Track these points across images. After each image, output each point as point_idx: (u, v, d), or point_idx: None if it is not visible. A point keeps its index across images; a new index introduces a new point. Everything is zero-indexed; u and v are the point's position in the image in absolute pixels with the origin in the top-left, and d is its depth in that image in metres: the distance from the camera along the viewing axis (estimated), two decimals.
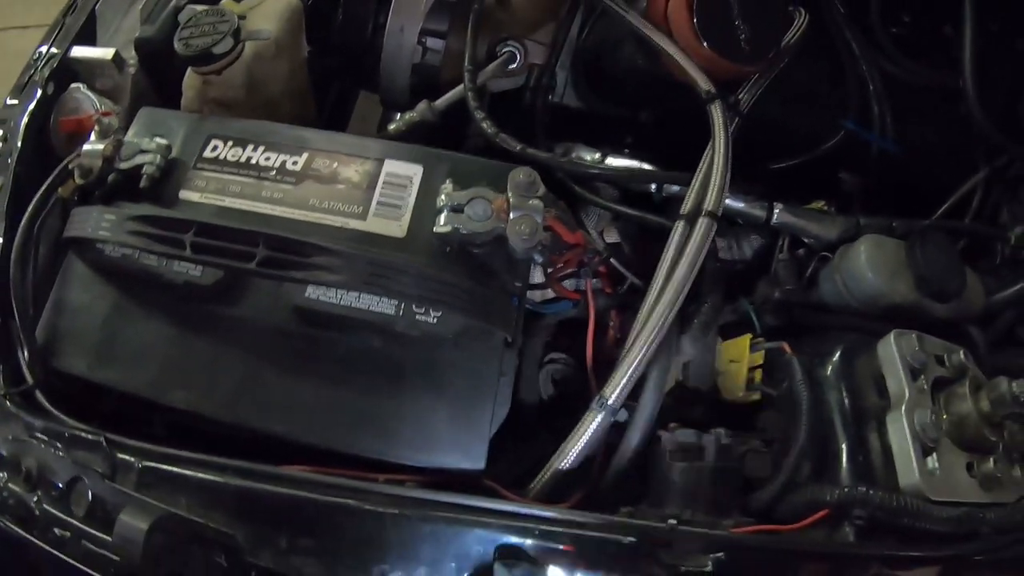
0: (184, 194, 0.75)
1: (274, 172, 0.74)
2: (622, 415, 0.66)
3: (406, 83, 0.95)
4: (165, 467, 0.62)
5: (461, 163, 0.75)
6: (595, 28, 0.99)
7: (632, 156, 0.92)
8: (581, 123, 1.02)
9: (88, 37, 0.96)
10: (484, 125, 0.83)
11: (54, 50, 0.93)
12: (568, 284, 0.83)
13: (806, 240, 0.88)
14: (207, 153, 0.77)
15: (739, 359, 0.74)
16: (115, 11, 1.00)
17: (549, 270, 0.78)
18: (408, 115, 0.89)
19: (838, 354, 0.70)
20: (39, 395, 0.69)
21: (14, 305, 0.71)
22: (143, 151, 0.76)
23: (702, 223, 0.71)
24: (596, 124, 1.03)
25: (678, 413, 0.72)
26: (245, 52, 0.86)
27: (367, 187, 0.73)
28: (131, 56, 0.93)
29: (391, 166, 0.74)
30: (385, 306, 0.65)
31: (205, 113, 0.86)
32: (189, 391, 0.67)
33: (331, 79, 1.07)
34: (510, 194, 0.68)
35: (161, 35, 0.90)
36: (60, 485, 0.64)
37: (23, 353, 0.71)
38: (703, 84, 0.79)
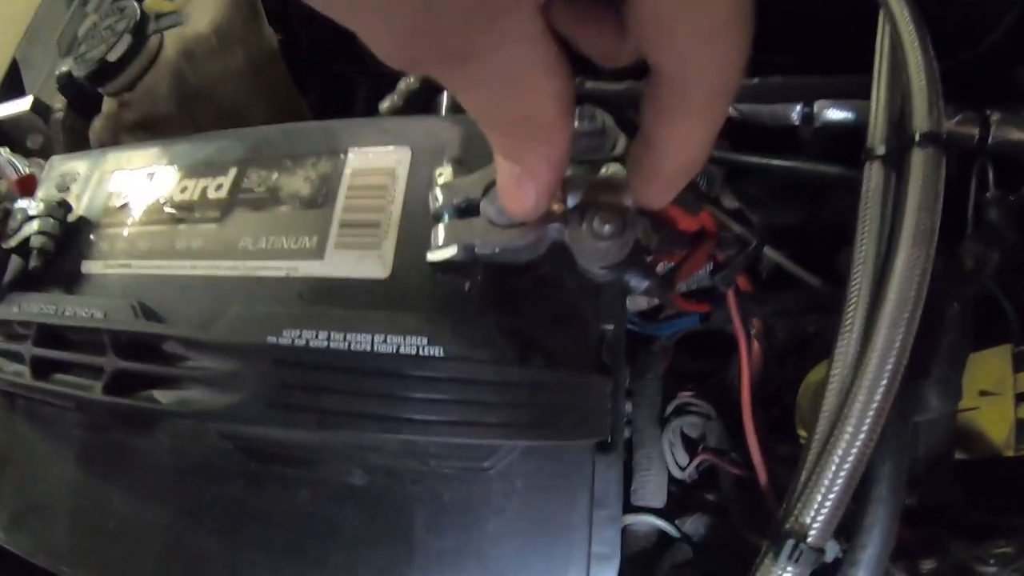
0: (87, 266, 0.50)
1: (192, 209, 0.48)
2: (831, 549, 0.34)
3: None
4: None
5: (476, 128, 0.45)
6: None
7: None
8: None
9: (13, 90, 0.77)
10: None
11: None
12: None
13: None
14: (113, 200, 0.53)
15: (1000, 389, 0.41)
16: (44, 52, 0.79)
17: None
18: (404, 82, 0.60)
19: None
20: None
21: None
22: (31, 217, 0.53)
23: (920, 158, 0.37)
24: None
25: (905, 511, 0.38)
26: (166, 51, 0.62)
27: (323, 202, 0.44)
28: (59, 100, 0.73)
29: (357, 158, 0.45)
30: None
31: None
32: (103, 567, 0.42)
33: (319, 69, 0.81)
34: None
35: None
36: None
37: None
38: None
